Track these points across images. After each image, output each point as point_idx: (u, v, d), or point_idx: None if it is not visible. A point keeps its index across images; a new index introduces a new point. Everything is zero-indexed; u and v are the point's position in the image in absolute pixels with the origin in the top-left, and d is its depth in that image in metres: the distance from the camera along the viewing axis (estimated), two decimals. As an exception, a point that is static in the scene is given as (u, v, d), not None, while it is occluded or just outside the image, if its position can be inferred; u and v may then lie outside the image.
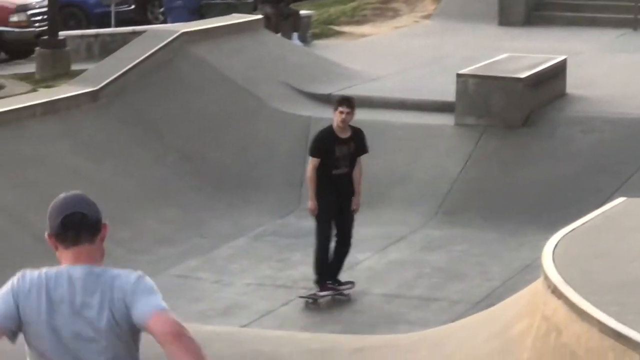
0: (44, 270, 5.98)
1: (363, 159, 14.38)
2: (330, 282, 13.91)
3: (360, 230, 16.85)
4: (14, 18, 28.79)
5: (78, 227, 6.04)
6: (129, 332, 5.98)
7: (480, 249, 16.05)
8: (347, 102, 13.92)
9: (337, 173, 13.71)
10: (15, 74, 24.21)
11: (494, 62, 19.89)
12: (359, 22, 30.68)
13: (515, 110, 18.52)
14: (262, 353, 9.28)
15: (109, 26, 28.02)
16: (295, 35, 25.52)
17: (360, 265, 15.58)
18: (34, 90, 20.85)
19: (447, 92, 18.95)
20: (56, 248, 6.09)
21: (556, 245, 8.78)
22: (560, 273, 8.05)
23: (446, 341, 9.22)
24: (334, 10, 31.59)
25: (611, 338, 7.15)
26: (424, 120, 19.10)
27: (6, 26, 28.59)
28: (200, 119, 18.68)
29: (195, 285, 14.82)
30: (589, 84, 20.31)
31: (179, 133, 17.93)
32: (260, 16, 23.69)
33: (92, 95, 18.34)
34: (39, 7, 28.06)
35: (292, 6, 26.58)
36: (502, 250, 15.78)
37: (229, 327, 11.97)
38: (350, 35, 29.11)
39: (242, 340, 9.83)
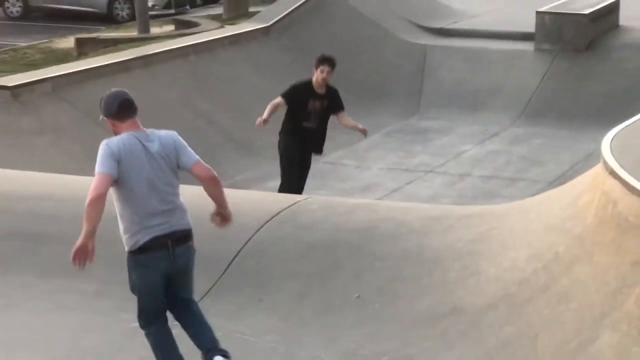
0: (123, 136, 6.91)
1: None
2: None
3: (464, 128, 16.88)
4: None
5: (128, 106, 6.98)
6: (176, 170, 7.06)
7: (554, 142, 16.00)
8: (329, 62, 11.51)
9: (306, 126, 11.43)
10: (208, 15, 24.45)
11: (564, 1, 19.77)
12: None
13: (580, 38, 18.46)
14: (393, 219, 9.31)
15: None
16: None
17: (464, 154, 15.57)
18: (222, 26, 21.00)
19: (529, 25, 18.86)
20: (113, 125, 7.01)
21: (612, 139, 8.70)
22: (615, 159, 7.98)
23: (530, 210, 9.19)
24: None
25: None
26: (511, 46, 19.09)
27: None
28: (344, 45, 18.66)
29: (341, 170, 14.93)
30: (635, 18, 19.98)
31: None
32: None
33: (265, 30, 18.62)
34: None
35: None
36: (571, 143, 15.71)
37: (368, 200, 12.04)
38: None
39: (377, 210, 9.84)
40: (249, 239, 9.04)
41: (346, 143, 15.86)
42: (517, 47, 18.92)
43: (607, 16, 19.35)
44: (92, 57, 18.07)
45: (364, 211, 9.71)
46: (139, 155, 6.84)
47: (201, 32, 19.96)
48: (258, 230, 9.15)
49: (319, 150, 12.02)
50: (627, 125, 9.31)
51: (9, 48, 21.55)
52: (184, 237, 7.03)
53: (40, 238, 9.40)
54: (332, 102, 11.54)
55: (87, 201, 6.65)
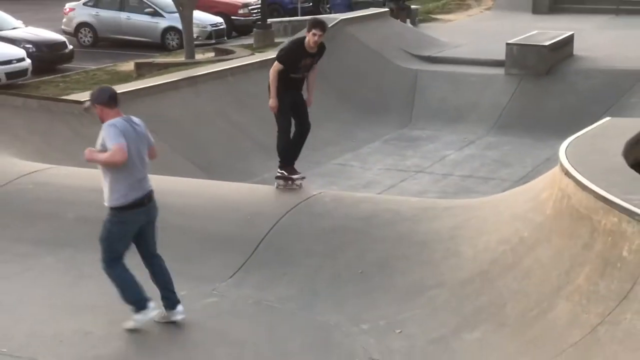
0: (119, 119, 7.32)
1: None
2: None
3: (446, 137, 16.84)
4: (241, 11, 29.00)
5: (115, 97, 7.41)
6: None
7: (520, 148, 15.94)
8: (321, 26, 10.00)
9: (294, 77, 10.00)
10: (241, 44, 24.34)
11: (529, 35, 19.67)
12: (446, 12, 30.46)
13: (542, 64, 18.29)
14: (390, 209, 9.31)
15: (297, 15, 28.08)
16: (408, 20, 25.33)
17: (447, 157, 15.51)
18: (253, 54, 20.93)
19: (500, 54, 18.75)
20: (102, 111, 7.39)
21: (567, 146, 8.69)
22: (569, 162, 7.97)
23: (500, 203, 9.17)
24: (432, 5, 31.51)
25: (600, 201, 7.08)
26: (486, 71, 18.94)
27: (236, 16, 28.82)
28: (353, 70, 18.66)
29: (348, 170, 14.89)
30: (588, 49, 19.93)
31: (338, 79, 17.91)
32: (387, 9, 23.54)
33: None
34: (255, 4, 28.31)
35: (407, 2, 26.30)
36: (533, 149, 15.64)
37: (370, 194, 12.04)
38: (442, 20, 28.83)
39: (377, 202, 9.85)
40: (274, 225, 9.04)
41: (352, 149, 15.90)
42: (491, 71, 18.79)
43: (564, 47, 19.26)
44: (148, 77, 18.08)
45: (366, 203, 9.72)
46: (132, 133, 7.29)
47: (236, 58, 19.91)
48: (281, 218, 9.16)
49: (300, 89, 10.25)
50: (578, 136, 9.29)
51: (81, 70, 21.60)
52: (152, 196, 7.46)
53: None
54: (320, 56, 10.06)
55: (115, 158, 7.16)
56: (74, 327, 7.52)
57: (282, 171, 10.04)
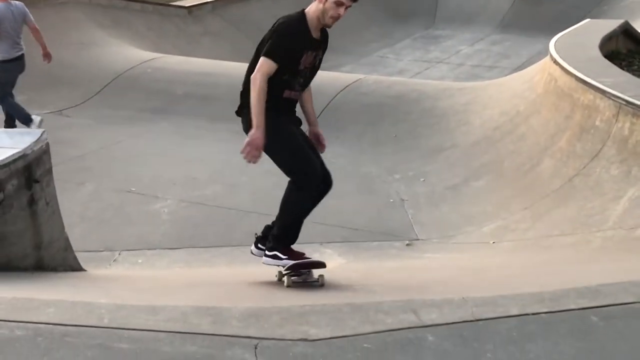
0: (2, 4, 7.88)
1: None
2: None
3: (461, 35, 16.40)
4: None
5: None
6: (23, 24, 8.08)
7: (517, 44, 15.53)
8: None
9: (289, 91, 4.13)
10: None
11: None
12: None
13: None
14: (416, 90, 9.18)
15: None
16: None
17: (461, 51, 15.17)
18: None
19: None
20: None
21: (556, 41, 8.43)
22: (557, 52, 7.74)
23: (502, 85, 8.98)
24: None
25: (580, 83, 6.89)
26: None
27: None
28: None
29: (385, 60, 14.67)
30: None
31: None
32: None
33: None
34: None
35: None
36: (528, 45, 15.25)
37: (402, 78, 11.87)
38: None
39: (407, 84, 9.70)
40: (330, 101, 8.97)
41: (389, 45, 15.57)
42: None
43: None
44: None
45: (399, 85, 9.58)
46: (9, 15, 7.95)
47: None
48: (335, 96, 9.07)
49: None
50: (565, 33, 9.04)
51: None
52: (23, 56, 8.05)
53: (205, 98, 9.43)
54: (324, 50, 4.28)
55: None
56: (183, 173, 7.63)
57: (286, 257, 4.16)
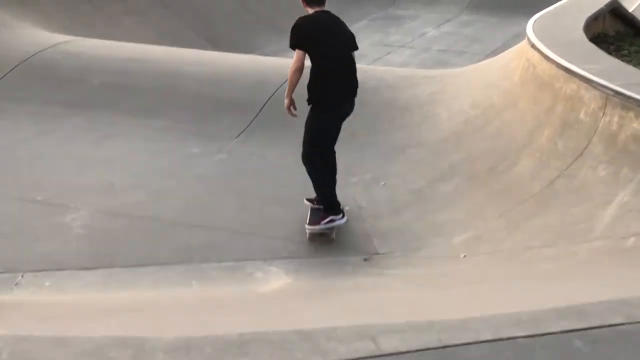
0: None
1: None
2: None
3: (426, 15, 16.58)
4: None
5: None
6: None
7: (490, 26, 15.73)
8: None
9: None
10: None
11: None
12: None
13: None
14: (375, 77, 9.21)
15: None
16: None
17: (426, 34, 15.30)
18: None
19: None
20: None
21: (534, 22, 8.56)
22: (536, 36, 7.85)
23: (473, 72, 9.07)
24: None
25: (562, 70, 7.00)
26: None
27: None
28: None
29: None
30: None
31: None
32: None
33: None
34: None
35: None
36: (502, 26, 15.47)
37: (358, 65, 11.88)
38: None
39: (365, 71, 9.61)
40: (275, 91, 8.95)
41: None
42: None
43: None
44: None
45: (364, 73, 9.59)
46: None
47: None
48: (281, 85, 9.05)
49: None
50: (544, 13, 9.17)
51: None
52: None
53: (125, 89, 9.32)
54: None
55: None
56: (100, 179, 7.51)
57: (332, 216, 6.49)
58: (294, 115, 6.40)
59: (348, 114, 6.47)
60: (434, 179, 7.34)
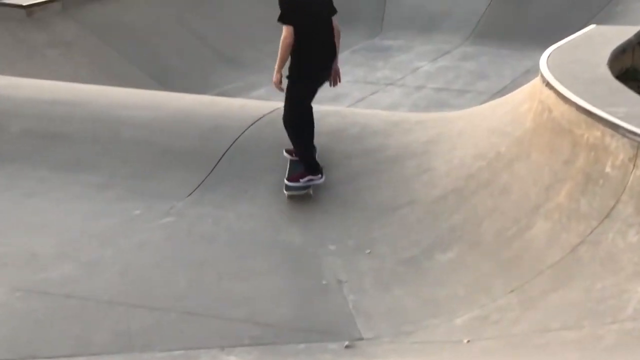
0: None
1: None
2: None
3: (421, 47, 16.77)
4: None
5: None
6: None
7: (498, 59, 15.92)
8: None
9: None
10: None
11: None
12: None
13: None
14: (358, 123, 9.27)
15: None
16: None
17: (420, 69, 15.47)
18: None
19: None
20: None
21: (549, 56, 8.68)
22: (551, 73, 7.96)
23: (476, 116, 9.17)
24: None
25: (583, 114, 7.09)
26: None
27: None
28: None
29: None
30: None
31: None
32: None
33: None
34: None
35: None
36: (512, 60, 15.64)
37: (337, 107, 11.97)
38: None
39: (345, 115, 9.79)
40: (236, 139, 9.00)
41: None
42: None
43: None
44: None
45: (334, 117, 9.66)
46: None
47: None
48: (243, 132, 9.11)
49: None
50: (561, 45, 9.29)
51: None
52: None
53: (53, 138, 9.33)
54: None
55: None
56: (18, 248, 7.47)
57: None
58: (282, 90, 8.04)
59: (326, 80, 8.36)
60: (430, 245, 7.37)
